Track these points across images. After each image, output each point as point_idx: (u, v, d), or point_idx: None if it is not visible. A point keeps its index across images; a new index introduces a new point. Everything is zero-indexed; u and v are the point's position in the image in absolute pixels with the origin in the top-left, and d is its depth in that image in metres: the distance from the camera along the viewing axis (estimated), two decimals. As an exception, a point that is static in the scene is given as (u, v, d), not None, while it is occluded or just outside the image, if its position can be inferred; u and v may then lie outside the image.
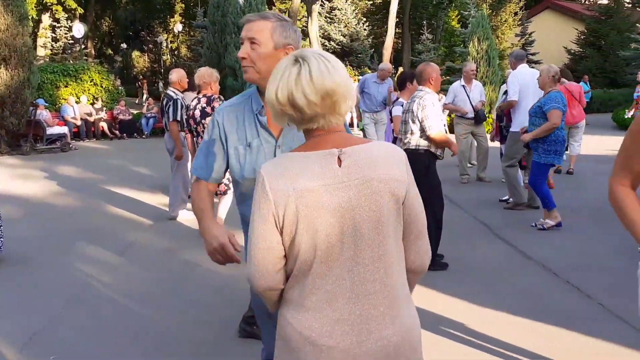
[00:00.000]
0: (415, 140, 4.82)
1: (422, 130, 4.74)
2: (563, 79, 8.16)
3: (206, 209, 2.09)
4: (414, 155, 4.38)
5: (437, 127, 4.71)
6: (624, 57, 22.51)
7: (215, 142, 2.09)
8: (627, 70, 22.76)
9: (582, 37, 26.07)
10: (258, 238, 1.44)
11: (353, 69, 23.64)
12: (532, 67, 8.15)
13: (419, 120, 4.73)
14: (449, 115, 15.15)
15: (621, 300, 3.79)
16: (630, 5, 27.11)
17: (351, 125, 6.69)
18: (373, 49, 26.91)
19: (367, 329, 1.45)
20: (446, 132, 14.27)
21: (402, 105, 5.99)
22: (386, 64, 9.83)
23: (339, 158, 1.46)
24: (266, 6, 16.77)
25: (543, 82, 5.94)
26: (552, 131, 5.74)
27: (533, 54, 25.31)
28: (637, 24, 23.21)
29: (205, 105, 5.36)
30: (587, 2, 31.13)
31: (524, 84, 6.72)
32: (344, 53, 25.24)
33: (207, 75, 5.49)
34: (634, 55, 21.63)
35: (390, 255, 1.48)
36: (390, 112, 7.35)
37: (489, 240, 5.67)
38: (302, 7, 25.88)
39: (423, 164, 4.68)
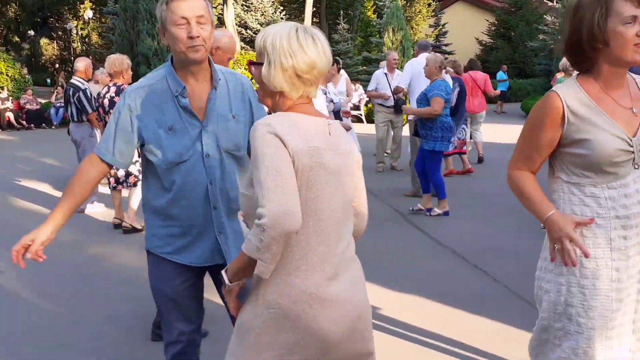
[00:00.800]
0: None
1: None
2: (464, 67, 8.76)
3: (68, 196, 1.95)
4: None
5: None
6: (532, 47, 23.69)
7: (123, 125, 1.99)
8: (534, 60, 23.95)
9: (493, 28, 27.21)
10: (287, 180, 1.44)
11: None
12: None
13: None
14: (367, 104, 15.36)
15: (526, 282, 3.86)
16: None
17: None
18: (291, 39, 26.77)
19: (354, 283, 1.62)
20: (363, 121, 14.15)
21: (327, 93, 6.09)
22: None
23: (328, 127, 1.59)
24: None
25: (430, 71, 6.10)
26: (431, 116, 5.89)
27: (446, 45, 26.15)
28: (545, 16, 24.46)
29: (114, 94, 5.21)
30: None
31: (418, 73, 6.79)
32: (262, 42, 24.91)
33: (117, 62, 5.30)
34: (542, 46, 22.80)
35: (352, 221, 1.68)
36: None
37: (402, 226, 5.80)
38: (218, -6, 25.27)
39: None
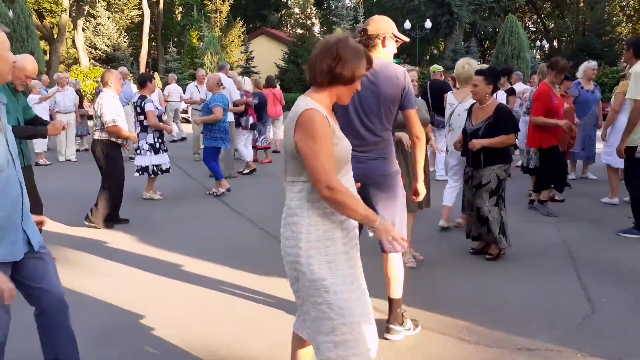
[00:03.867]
0: (98, 132, 5.97)
1: (102, 124, 5.91)
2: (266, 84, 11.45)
3: None
4: (95, 144, 6.02)
5: (111, 121, 5.86)
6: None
7: None
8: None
9: (286, 56, 36.70)
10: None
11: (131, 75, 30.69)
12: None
13: (99, 115, 5.84)
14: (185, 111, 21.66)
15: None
16: (319, 35, 38.88)
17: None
18: (132, 57, 34.31)
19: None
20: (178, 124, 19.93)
21: (153, 102, 7.23)
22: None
23: None
24: (32, 19, 21.17)
25: (210, 86, 7.52)
26: (216, 122, 7.35)
27: (254, 67, 35.10)
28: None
29: None
30: (289, 32, 42.37)
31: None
32: (108, 60, 32.19)
33: None
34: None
35: None
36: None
37: (212, 201, 7.47)
38: (70, 21, 32.16)
39: (103, 152, 5.95)
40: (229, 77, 9.70)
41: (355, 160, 3.31)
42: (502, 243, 4.95)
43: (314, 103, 2.17)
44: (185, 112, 16.65)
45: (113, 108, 6.03)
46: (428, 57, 41.79)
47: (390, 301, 3.47)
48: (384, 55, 3.37)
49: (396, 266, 3.43)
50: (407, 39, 3.46)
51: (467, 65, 5.60)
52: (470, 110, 5.12)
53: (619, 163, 6.90)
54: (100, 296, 4.21)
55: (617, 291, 4.27)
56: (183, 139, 15.48)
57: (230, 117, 9.14)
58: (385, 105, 3.23)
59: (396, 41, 3.43)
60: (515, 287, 4.37)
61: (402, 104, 3.27)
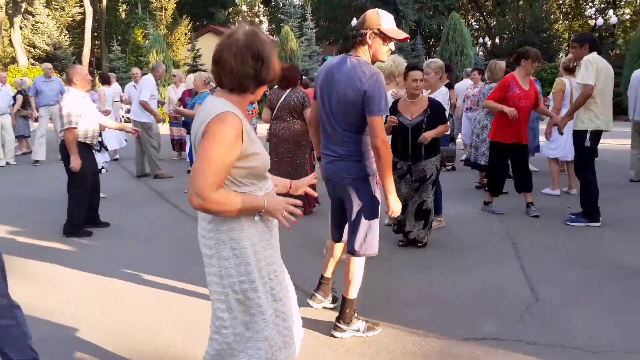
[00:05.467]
0: (61, 133, 5.64)
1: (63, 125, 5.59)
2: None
3: None
4: (62, 146, 5.69)
5: (67, 123, 5.52)
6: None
7: None
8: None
9: (234, 53, 36.40)
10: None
11: (57, 72, 29.62)
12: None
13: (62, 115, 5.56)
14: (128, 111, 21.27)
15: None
16: (267, 32, 38.70)
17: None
18: (75, 56, 33.20)
19: None
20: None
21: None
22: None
23: None
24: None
25: (197, 85, 7.74)
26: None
27: (202, 65, 34.59)
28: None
29: None
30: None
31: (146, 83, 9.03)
32: (49, 59, 31.00)
33: None
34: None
35: None
36: None
37: (159, 203, 7.43)
38: (7, 19, 30.83)
39: (65, 152, 5.64)
40: (158, 77, 9.46)
41: (325, 160, 3.32)
42: (430, 230, 5.27)
43: (230, 105, 1.98)
44: (128, 112, 16.24)
45: (73, 108, 5.60)
46: (376, 55, 42.17)
47: (344, 300, 3.49)
48: (371, 54, 3.14)
49: (357, 268, 3.41)
50: (401, 37, 3.08)
51: (391, 62, 5.74)
52: (394, 107, 5.14)
53: (570, 156, 7.19)
54: (40, 306, 4.02)
55: (558, 279, 4.42)
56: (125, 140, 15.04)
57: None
58: (345, 105, 3.10)
59: (386, 38, 3.12)
60: (461, 279, 4.46)
61: (365, 108, 3.06)
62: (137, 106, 9.12)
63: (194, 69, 32.86)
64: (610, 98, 5.81)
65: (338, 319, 3.49)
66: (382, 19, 3.08)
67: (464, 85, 10.20)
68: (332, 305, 3.89)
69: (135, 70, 11.68)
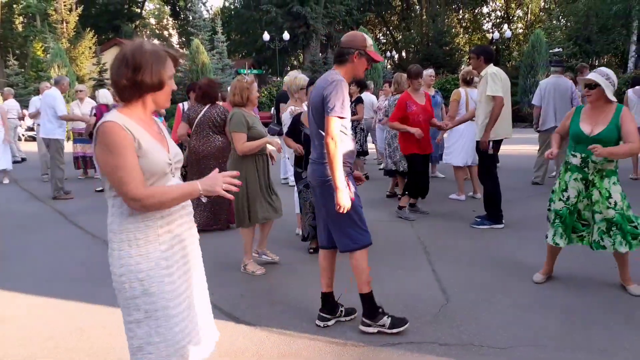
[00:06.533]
0: None
1: None
2: None
3: None
4: None
5: None
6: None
7: None
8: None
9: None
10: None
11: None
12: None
13: None
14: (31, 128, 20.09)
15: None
16: (177, 45, 37.93)
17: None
18: (-34, 72, 31.00)
19: None
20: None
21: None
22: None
23: None
24: None
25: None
26: None
27: (108, 79, 33.31)
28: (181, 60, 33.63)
29: None
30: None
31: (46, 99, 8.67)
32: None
33: None
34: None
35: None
36: None
37: (60, 224, 7.09)
38: None
39: None
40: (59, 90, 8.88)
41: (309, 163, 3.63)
42: None
43: (117, 116, 2.02)
44: (32, 129, 15.60)
45: None
46: (289, 68, 42.54)
47: (360, 297, 3.67)
48: (351, 69, 3.42)
49: (357, 263, 3.56)
50: (379, 59, 3.45)
51: (291, 79, 5.98)
52: (297, 119, 5.29)
53: (457, 161, 7.66)
54: None
55: (467, 280, 4.61)
56: (23, 159, 14.28)
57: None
58: (315, 111, 3.40)
59: (369, 59, 3.43)
60: (377, 285, 4.52)
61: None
62: (49, 122, 8.58)
63: (100, 83, 31.67)
64: (509, 107, 6.21)
65: (362, 315, 3.68)
66: (368, 42, 3.40)
67: (369, 99, 10.66)
68: (346, 319, 3.89)
69: (46, 84, 11.19)
